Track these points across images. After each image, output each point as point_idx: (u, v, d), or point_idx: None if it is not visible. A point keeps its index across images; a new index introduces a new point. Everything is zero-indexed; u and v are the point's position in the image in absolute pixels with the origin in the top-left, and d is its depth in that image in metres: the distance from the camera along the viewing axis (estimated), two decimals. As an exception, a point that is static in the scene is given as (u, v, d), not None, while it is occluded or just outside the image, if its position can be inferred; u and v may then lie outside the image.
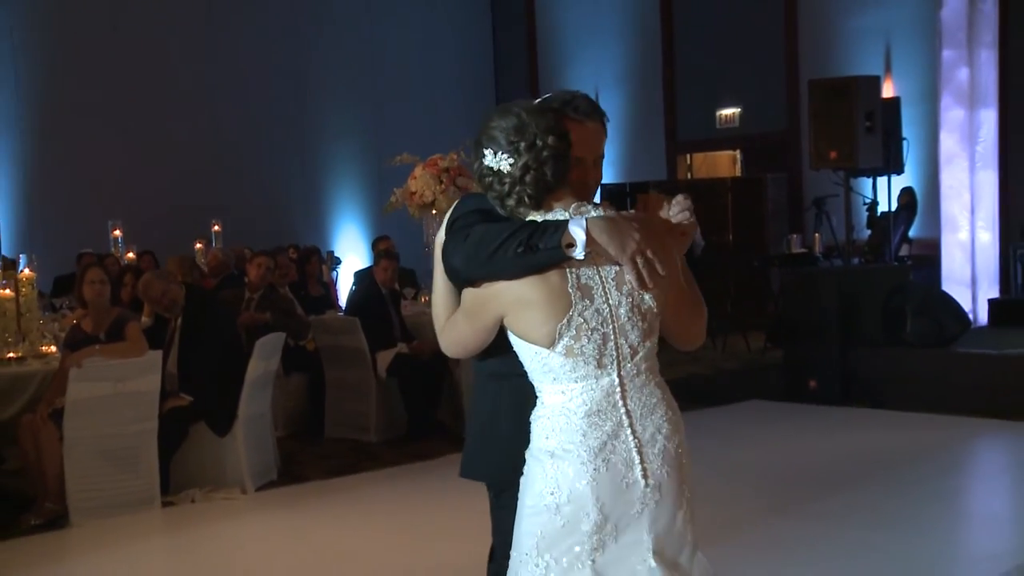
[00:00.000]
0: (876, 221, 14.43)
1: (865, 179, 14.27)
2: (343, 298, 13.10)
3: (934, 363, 10.96)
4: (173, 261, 10.62)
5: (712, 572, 3.21)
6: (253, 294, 10.80)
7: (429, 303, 11.14)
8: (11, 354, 8.61)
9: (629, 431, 3.09)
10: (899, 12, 15.48)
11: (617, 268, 3.05)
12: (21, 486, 8.21)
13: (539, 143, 3.09)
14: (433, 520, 7.65)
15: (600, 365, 3.08)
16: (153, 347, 8.26)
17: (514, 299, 3.09)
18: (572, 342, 3.06)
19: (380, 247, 12.82)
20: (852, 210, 14.12)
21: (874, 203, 14.41)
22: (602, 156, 3.42)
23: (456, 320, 3.23)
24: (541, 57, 20.38)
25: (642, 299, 3.11)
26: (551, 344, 3.06)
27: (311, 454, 9.88)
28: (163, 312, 8.81)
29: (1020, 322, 12.57)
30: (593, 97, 3.52)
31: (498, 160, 3.11)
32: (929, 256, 14.55)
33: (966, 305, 12.99)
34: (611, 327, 3.09)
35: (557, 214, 3.10)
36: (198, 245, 13.56)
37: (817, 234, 15.11)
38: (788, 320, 11.76)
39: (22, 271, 9.22)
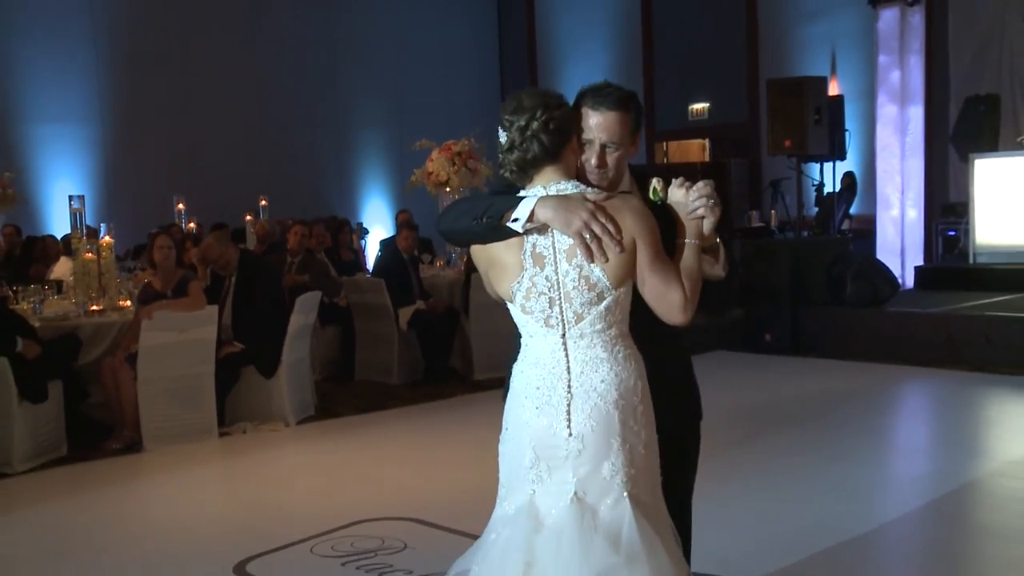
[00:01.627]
0: (822, 200, 14.45)
1: (813, 164, 14.32)
2: (370, 262, 13.11)
3: (869, 320, 10.99)
4: (213, 236, 10.64)
5: (653, 540, 2.93)
6: (294, 259, 10.84)
7: (444, 267, 11.17)
8: (94, 307, 8.67)
9: (565, 386, 2.97)
10: (843, 23, 15.41)
11: (572, 242, 2.92)
12: (103, 417, 8.21)
13: (526, 125, 2.98)
14: (446, 450, 7.67)
15: (547, 325, 2.99)
16: (211, 303, 8.30)
17: (486, 259, 3.07)
18: (524, 301, 3.00)
19: (402, 219, 12.82)
20: (802, 190, 14.20)
21: (821, 185, 14.45)
22: (615, 142, 3.14)
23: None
24: (540, 58, 20.26)
25: (591, 271, 2.95)
26: (511, 300, 3.03)
27: (343, 394, 9.87)
28: (219, 271, 8.82)
29: (941, 285, 12.57)
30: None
31: (501, 135, 3.04)
32: (866, 230, 14.54)
33: (896, 271, 13.01)
34: (557, 293, 2.97)
35: (535, 188, 3.00)
36: (248, 217, 13.56)
37: (773, 211, 15.09)
38: (748, 284, 11.74)
39: (102, 238, 9.19)
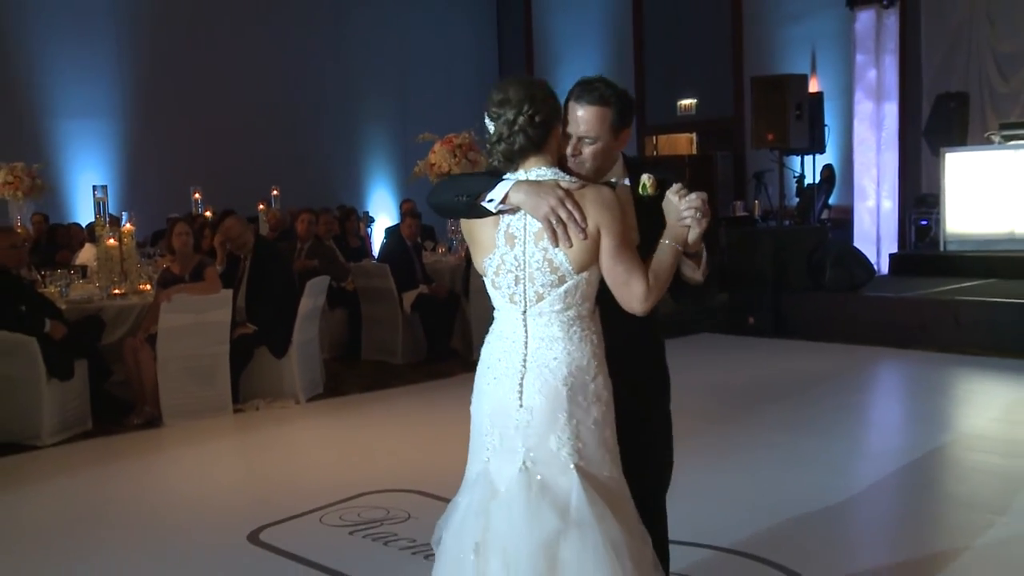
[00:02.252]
0: (803, 191, 14.46)
1: (795, 157, 14.34)
2: (376, 249, 13.13)
3: (847, 304, 11.00)
4: (234, 218, 10.63)
5: (603, 510, 2.90)
6: (303, 245, 10.84)
7: (446, 253, 11.15)
8: (116, 291, 8.70)
9: (521, 360, 2.98)
10: (822, 24, 15.41)
11: (540, 225, 2.92)
12: (125, 394, 8.22)
13: (513, 119, 2.96)
14: (446, 426, 7.61)
15: (512, 301, 3.00)
16: (226, 287, 8.33)
17: (467, 233, 3.09)
18: (495, 277, 3.02)
19: (406, 208, 12.85)
20: (784, 182, 14.20)
21: (802, 176, 14.46)
22: (591, 136, 3.12)
23: None
24: (536, 56, 20.23)
25: (555, 254, 2.93)
26: (485, 275, 3.05)
27: (350, 373, 9.87)
28: (236, 251, 8.78)
29: (913, 272, 12.60)
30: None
31: (489, 125, 3.02)
32: (844, 219, 14.57)
33: (872, 258, 13.04)
34: (523, 272, 2.97)
35: (518, 174, 2.99)
36: (260, 206, 13.56)
37: (756, 201, 15.12)
38: (732, 269, 11.74)
39: (124, 226, 9.20)
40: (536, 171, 2.99)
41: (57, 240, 12.48)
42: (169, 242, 8.80)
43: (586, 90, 3.12)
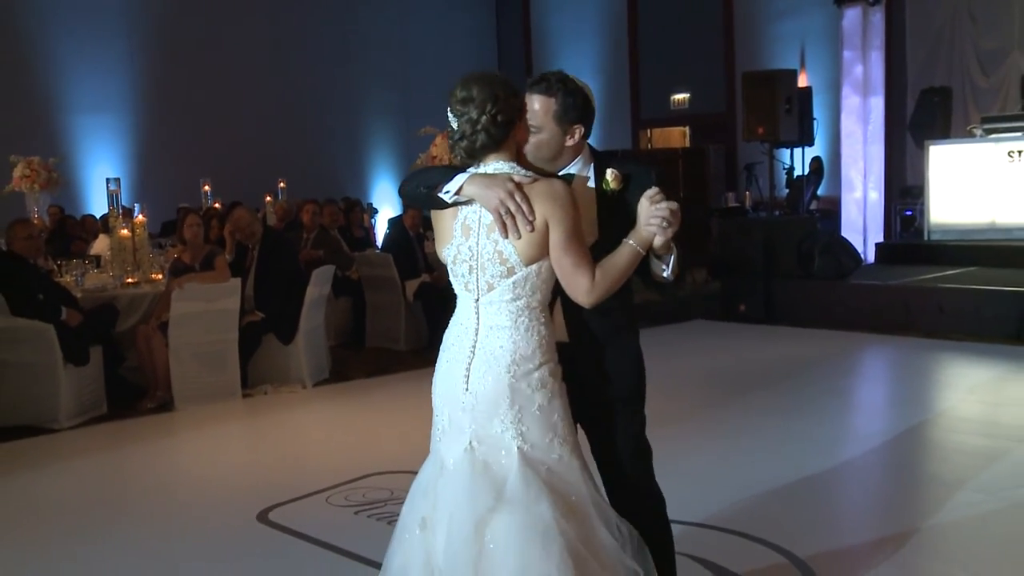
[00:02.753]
0: (792, 182, 14.48)
1: (784, 149, 14.34)
2: (380, 239, 13.12)
3: (835, 292, 10.99)
4: (244, 209, 10.62)
5: (539, 492, 2.88)
6: (309, 235, 10.84)
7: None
8: (129, 280, 8.69)
9: (471, 346, 3.00)
10: (811, 20, 15.42)
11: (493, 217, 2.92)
12: (138, 379, 8.22)
13: (476, 119, 2.95)
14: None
15: (467, 289, 3.02)
16: (235, 275, 8.31)
17: (433, 223, 3.11)
18: (452, 265, 3.04)
19: (408, 200, 12.84)
20: (774, 174, 14.19)
21: (791, 168, 14.48)
22: (535, 125, 3.06)
23: None
24: (534, 53, 20.22)
25: (505, 246, 2.93)
26: (445, 262, 3.08)
27: (355, 359, 9.88)
28: (244, 241, 8.75)
29: (899, 260, 12.58)
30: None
31: (452, 121, 3.00)
32: (832, 210, 14.57)
33: (859, 247, 13.04)
34: (476, 262, 2.98)
35: (478, 167, 2.98)
36: (268, 198, 13.54)
37: (747, 192, 15.14)
38: (724, 258, 11.76)
39: (136, 217, 9.21)
40: (494, 165, 2.98)
41: (68, 231, 12.49)
42: (180, 232, 8.79)
43: (537, 81, 3.10)
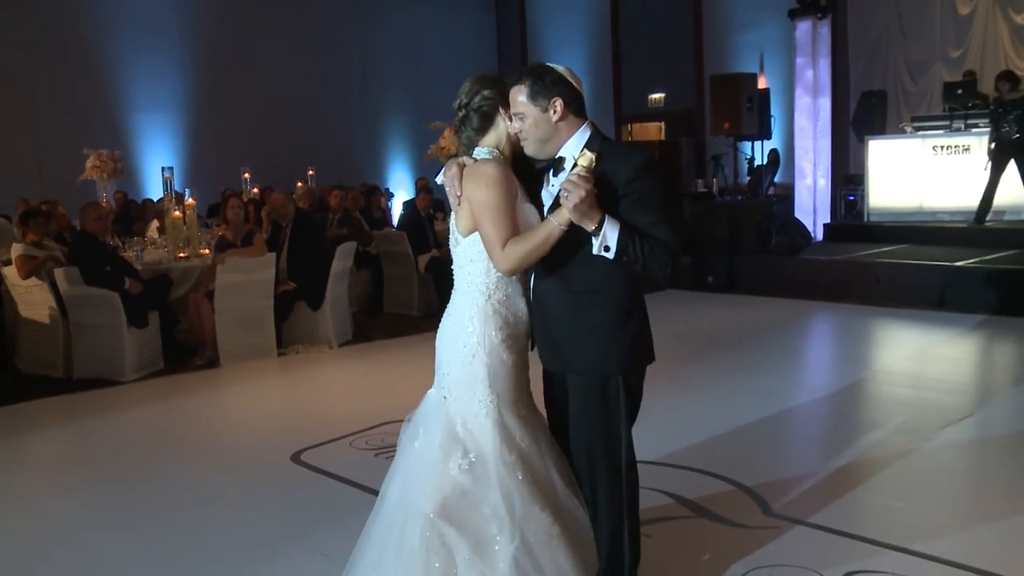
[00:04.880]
0: (753, 171, 14.42)
1: (746, 142, 14.30)
2: (395, 219, 13.13)
3: (789, 265, 10.99)
4: (281, 193, 10.62)
5: (448, 426, 2.95)
6: (334, 216, 10.85)
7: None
8: (181, 254, 8.73)
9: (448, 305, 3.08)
10: (769, 31, 15.32)
11: None
12: (189, 340, 8.30)
13: (464, 112, 2.98)
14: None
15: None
16: (270, 250, 8.36)
17: None
18: (449, 236, 3.10)
19: (420, 185, 12.81)
20: (737, 163, 14.22)
21: (752, 159, 14.43)
22: (516, 112, 2.92)
23: None
24: (531, 56, 20.10)
25: (453, 220, 2.99)
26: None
27: (374, 323, 9.90)
28: (278, 220, 8.76)
29: (842, 238, 12.55)
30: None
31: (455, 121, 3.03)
32: (786, 195, 14.50)
33: (809, 227, 13.04)
34: (450, 234, 3.06)
35: (472, 153, 3.00)
36: (299, 184, 13.52)
37: (714, 179, 15.05)
38: (694, 236, 11.79)
39: (187, 200, 9.26)
40: (478, 150, 3.01)
41: (131, 213, 12.52)
42: (224, 213, 8.81)
43: (512, 74, 2.99)
